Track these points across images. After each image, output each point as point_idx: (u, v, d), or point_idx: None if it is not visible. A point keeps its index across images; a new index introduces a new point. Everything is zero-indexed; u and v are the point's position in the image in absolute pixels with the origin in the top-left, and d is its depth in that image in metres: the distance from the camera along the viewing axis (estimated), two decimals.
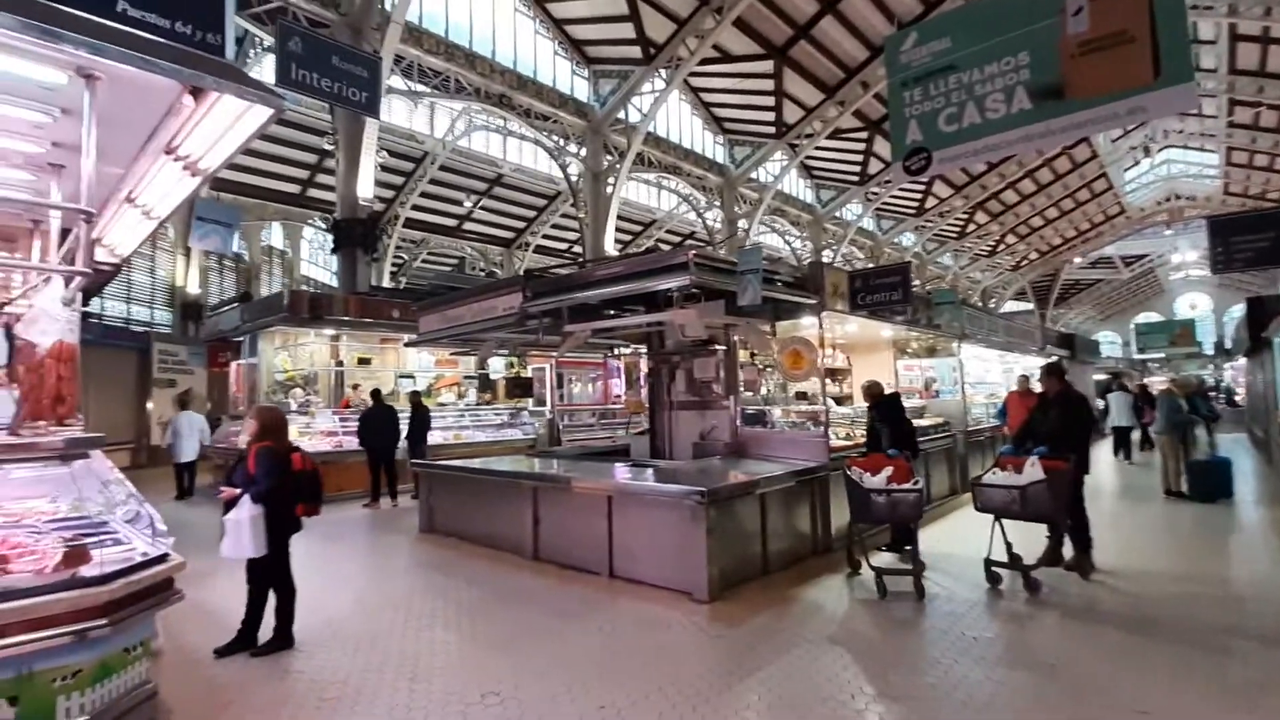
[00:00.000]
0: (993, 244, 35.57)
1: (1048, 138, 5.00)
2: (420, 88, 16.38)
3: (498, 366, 14.70)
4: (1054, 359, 6.15)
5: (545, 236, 27.92)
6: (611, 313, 6.61)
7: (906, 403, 9.66)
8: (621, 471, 6.23)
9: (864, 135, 24.13)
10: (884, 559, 5.67)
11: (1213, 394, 19.97)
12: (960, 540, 6.46)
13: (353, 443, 10.31)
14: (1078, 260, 38.88)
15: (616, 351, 12.60)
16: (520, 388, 14.34)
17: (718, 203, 24.74)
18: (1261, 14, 14.84)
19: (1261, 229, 4.86)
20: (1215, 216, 5.34)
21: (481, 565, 6.25)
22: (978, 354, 11.95)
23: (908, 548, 5.35)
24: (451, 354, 12.51)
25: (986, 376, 13.31)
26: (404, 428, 10.24)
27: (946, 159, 5.51)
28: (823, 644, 4.15)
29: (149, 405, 16.56)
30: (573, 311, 6.65)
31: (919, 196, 29.67)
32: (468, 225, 26.89)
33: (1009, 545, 5.21)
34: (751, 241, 25.35)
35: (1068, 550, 5.55)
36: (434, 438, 11.71)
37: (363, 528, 8.53)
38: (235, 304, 15.43)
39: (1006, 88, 5.06)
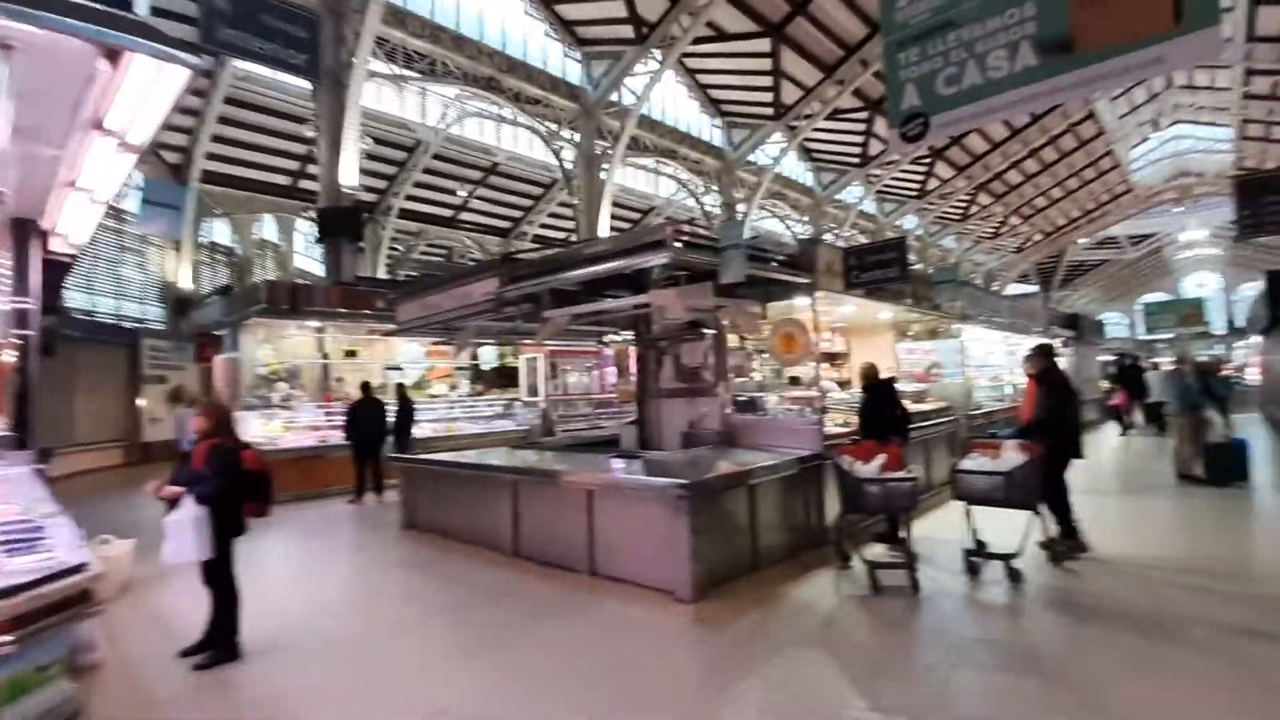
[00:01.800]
0: (996, 226, 34.93)
1: (1055, 95, 4.59)
2: (405, 72, 15.94)
3: (489, 357, 14.39)
4: (1042, 342, 5.80)
5: (543, 226, 27.50)
6: (592, 297, 6.25)
7: (907, 387, 9.33)
8: (602, 464, 5.90)
9: (864, 115, 23.56)
10: (877, 551, 5.34)
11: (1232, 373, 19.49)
12: (959, 529, 6.10)
13: (337, 437, 10.03)
14: (1083, 241, 38.19)
15: (606, 339, 12.24)
16: (505, 378, 14.01)
17: (715, 187, 24.25)
18: None
19: None
20: (1243, 176, 4.94)
21: (459, 563, 5.96)
22: (981, 336, 11.54)
23: (903, 536, 5.01)
24: (433, 344, 12.18)
25: (990, 359, 12.91)
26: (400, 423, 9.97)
27: (945, 124, 5.10)
28: (811, 648, 3.83)
29: (140, 402, 16.33)
30: (553, 296, 6.30)
31: (921, 178, 29.07)
32: (463, 215, 26.49)
33: (974, 533, 4.95)
34: (752, 226, 24.91)
35: (1041, 533, 5.22)
36: (424, 430, 11.44)
37: (344, 524, 8.26)
38: (217, 297, 15.12)
39: (1010, 43, 4.64)
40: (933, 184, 29.31)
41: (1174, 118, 26.23)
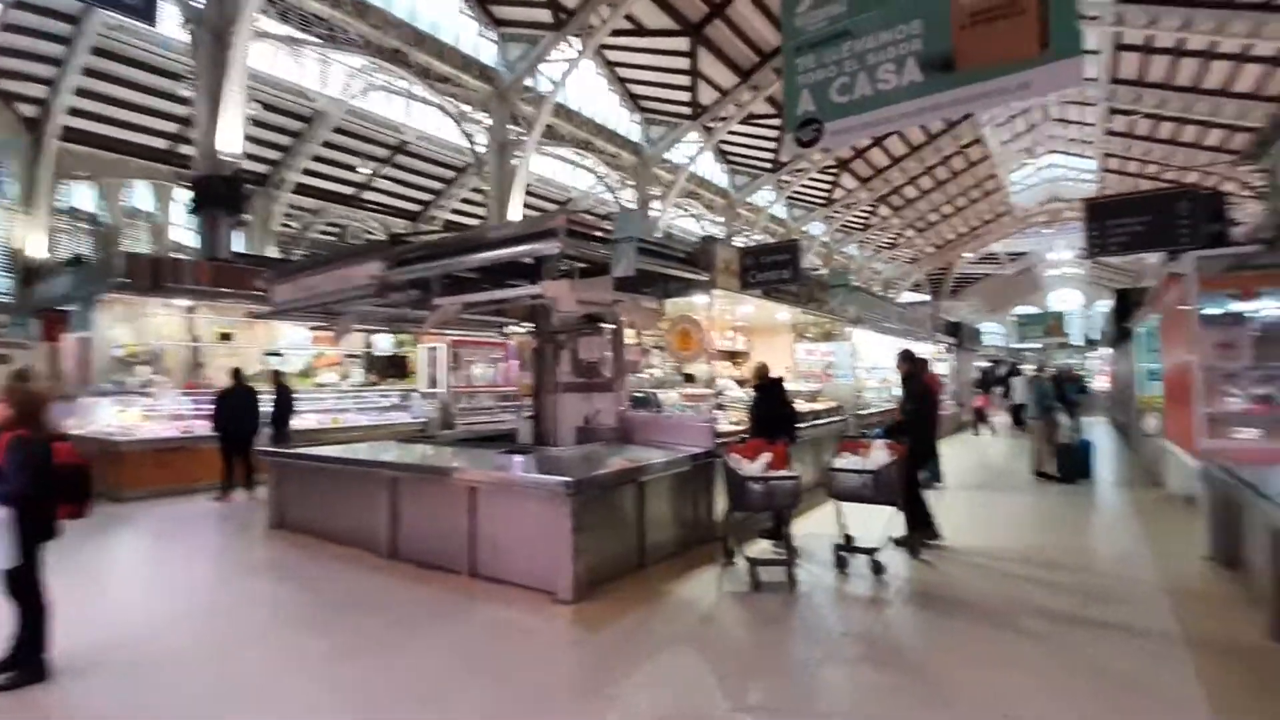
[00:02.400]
0: (894, 237, 37.11)
1: (938, 111, 4.82)
2: (302, 35, 14.79)
3: (386, 345, 13.65)
4: (905, 348, 6.20)
5: (455, 211, 26.45)
6: (487, 285, 5.98)
7: (803, 387, 9.65)
8: (488, 459, 5.66)
9: (776, 122, 24.27)
10: (762, 547, 5.44)
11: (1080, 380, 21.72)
12: (855, 526, 6.34)
13: (204, 427, 9.15)
14: (968, 255, 41.32)
15: (507, 330, 11.89)
16: (395, 367, 13.35)
17: (632, 182, 24.23)
18: (1145, 23, 15.82)
19: (1136, 212, 4.94)
20: (1091, 200, 5.38)
21: (330, 566, 5.53)
22: (872, 339, 12.14)
23: (786, 533, 5.13)
24: (313, 328, 11.35)
25: (881, 362, 13.63)
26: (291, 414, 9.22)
27: (838, 131, 5.25)
28: (687, 647, 3.81)
29: None
30: (444, 283, 5.97)
31: (828, 187, 30.37)
32: (368, 195, 25.02)
33: (844, 529, 5.16)
34: (665, 223, 25.10)
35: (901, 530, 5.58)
36: (308, 422, 10.68)
37: (205, 524, 7.53)
38: (68, 269, 13.43)
39: (898, 57, 4.83)
40: (839, 194, 30.69)
41: (1048, 147, 28.80)
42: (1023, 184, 33.79)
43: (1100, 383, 23.40)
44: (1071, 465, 8.91)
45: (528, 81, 18.54)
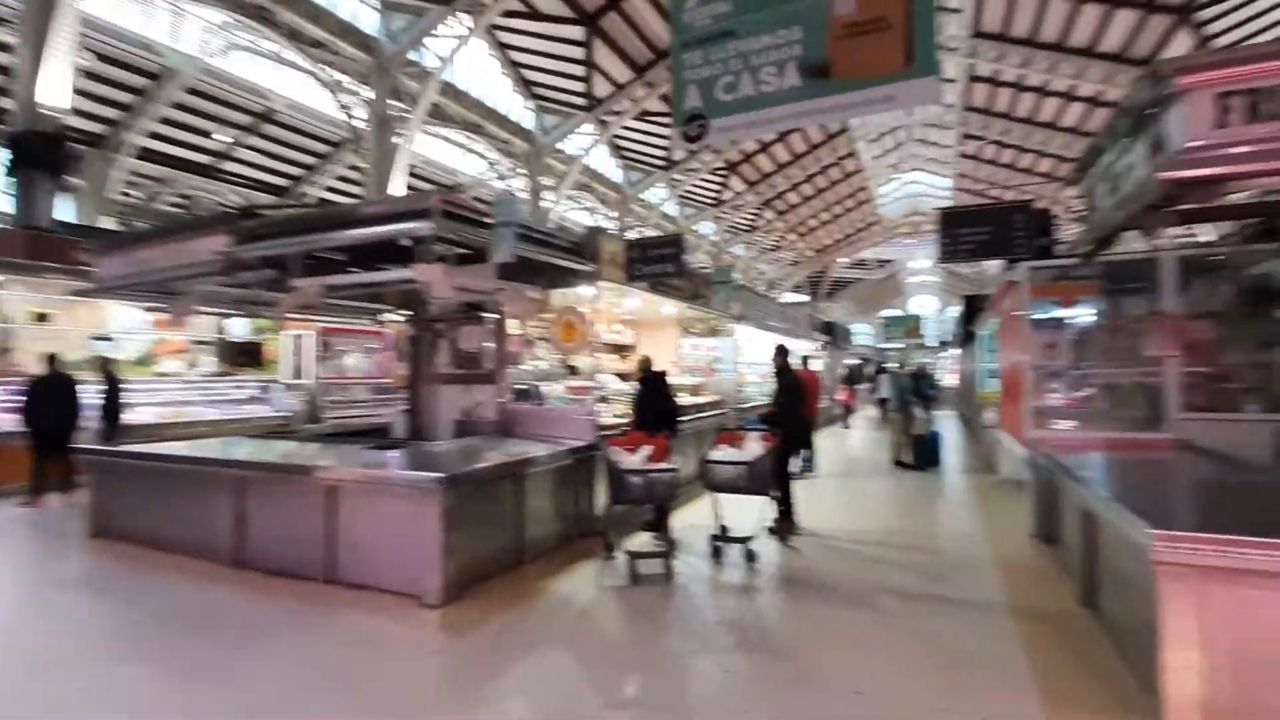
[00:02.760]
0: (777, 239, 39.03)
1: (815, 116, 5.04)
2: None
3: (242, 331, 12.39)
4: (779, 343, 6.56)
5: (330, 189, 24.51)
6: (354, 267, 5.53)
7: (688, 380, 9.85)
8: (354, 456, 5.25)
9: (670, 120, 24.69)
10: (643, 540, 5.47)
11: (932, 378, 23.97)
12: (729, 517, 6.53)
13: (9, 422, 7.83)
14: (842, 260, 44.38)
15: (383, 318, 11.20)
16: (246, 355, 12.21)
17: (524, 170, 23.66)
18: (994, 58, 17.65)
19: (982, 223, 5.46)
20: (946, 209, 5.87)
21: (161, 578, 4.89)
22: (755, 336, 12.64)
23: (666, 524, 5.19)
24: (147, 309, 10.08)
25: (765, 357, 14.25)
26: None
27: (723, 129, 5.35)
28: (562, 645, 3.72)
29: None
30: (307, 263, 5.45)
31: (718, 189, 31.32)
32: (227, 165, 22.57)
33: (719, 519, 5.33)
34: (559, 215, 24.75)
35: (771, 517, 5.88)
36: (145, 416, 9.46)
37: (9, 533, 6.43)
38: None
39: (780, 61, 4.98)
40: (728, 195, 31.75)
41: (911, 165, 31.46)
42: (890, 197, 36.69)
43: (949, 380, 25.93)
44: (924, 455, 9.75)
45: (412, 55, 17.54)
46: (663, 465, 4.86)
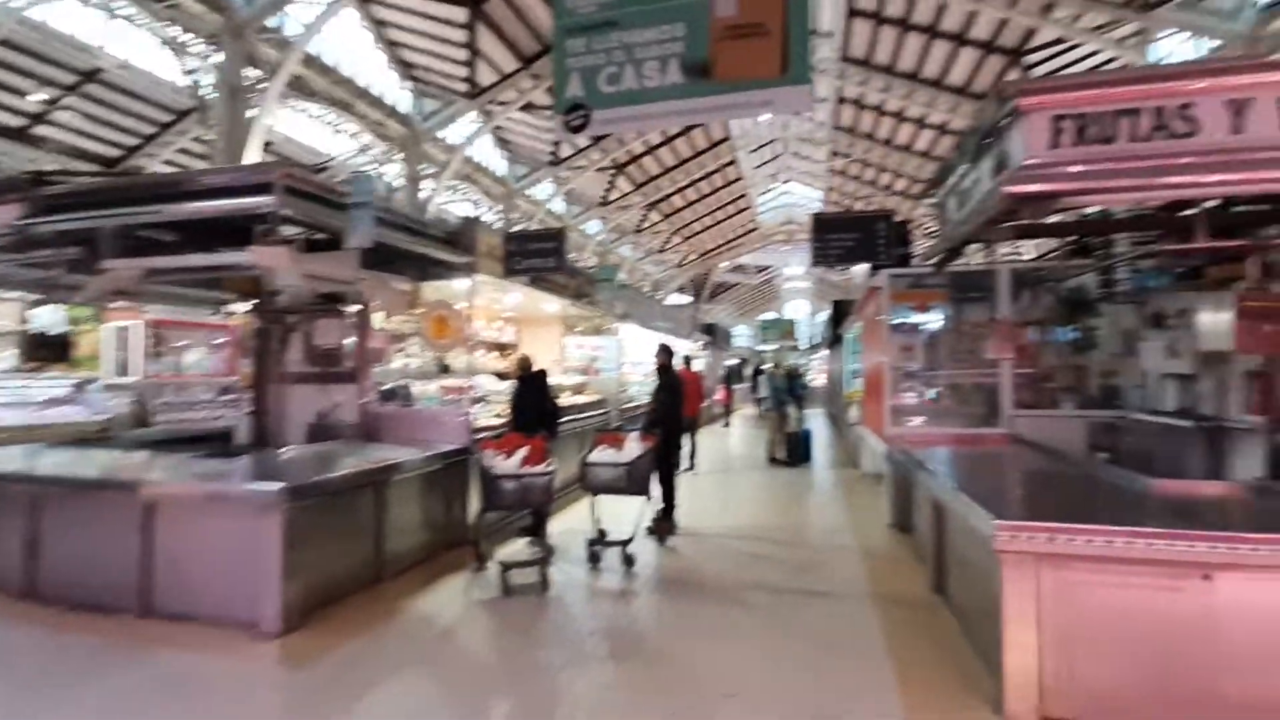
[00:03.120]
0: (663, 242, 39.77)
1: (695, 115, 5.06)
2: None
3: (51, 320, 10.62)
4: (662, 342, 6.63)
5: (169, 162, 21.67)
6: (184, 248, 4.80)
7: (571, 380, 9.66)
8: (182, 466, 4.57)
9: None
10: (518, 548, 5.23)
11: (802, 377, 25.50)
12: (607, 519, 6.42)
13: None
14: (724, 264, 46.12)
15: (227, 309, 10.01)
16: (51, 349, 10.58)
17: (401, 156, 22.27)
18: (859, 82, 18.99)
19: (850, 229, 5.76)
20: (819, 214, 6.14)
21: None
22: (639, 335, 12.68)
23: (543, 530, 4.98)
24: None
25: (646, 357, 14.36)
26: None
27: (605, 121, 5.21)
28: (419, 670, 3.41)
29: None
30: (124, 241, 4.65)
31: (605, 188, 31.33)
32: (43, 130, 19.29)
33: (597, 522, 5.23)
34: (437, 206, 23.58)
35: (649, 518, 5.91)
36: None
37: None
38: None
39: (662, 57, 4.92)
40: (615, 195, 31.85)
41: (787, 176, 33.30)
42: (767, 206, 38.61)
43: (820, 380, 27.69)
44: (797, 451, 10.24)
45: (271, 21, 15.91)
46: (539, 468, 4.64)
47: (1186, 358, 4.97)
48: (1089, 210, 4.60)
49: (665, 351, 6.39)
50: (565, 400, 7.94)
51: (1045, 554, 2.63)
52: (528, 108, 22.61)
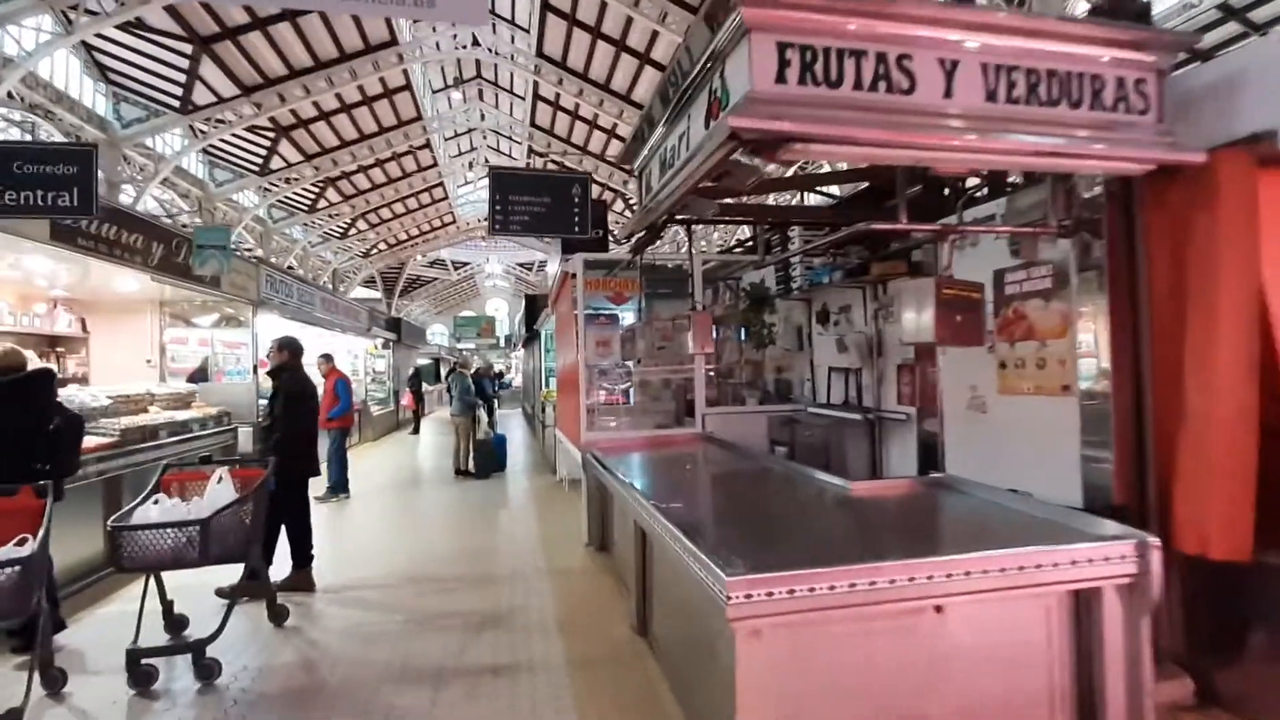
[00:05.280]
0: (345, 226, 34.96)
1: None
2: None
3: None
4: (286, 335, 4.85)
5: None
6: None
7: (166, 390, 6.93)
8: None
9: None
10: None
11: (500, 376, 24.64)
12: (187, 593, 4.34)
13: None
14: (420, 258, 42.75)
15: None
16: None
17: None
18: (555, 82, 18.71)
19: (539, 192, 4.84)
20: (498, 168, 5.08)
21: None
22: (286, 328, 10.09)
23: (42, 643, 2.91)
24: None
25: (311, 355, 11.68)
26: None
27: None
28: None
29: None
30: None
31: (264, 154, 25.98)
32: None
33: (171, 607, 3.51)
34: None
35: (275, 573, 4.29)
36: None
37: None
38: None
39: None
40: (277, 163, 26.62)
41: (483, 170, 32.09)
42: (466, 199, 36.82)
43: (518, 379, 27.21)
44: (488, 461, 9.11)
45: None
46: (5, 554, 2.61)
47: (852, 351, 5.26)
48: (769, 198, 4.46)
49: (287, 346, 4.66)
50: (127, 420, 5.23)
51: (785, 612, 1.95)
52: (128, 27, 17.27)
